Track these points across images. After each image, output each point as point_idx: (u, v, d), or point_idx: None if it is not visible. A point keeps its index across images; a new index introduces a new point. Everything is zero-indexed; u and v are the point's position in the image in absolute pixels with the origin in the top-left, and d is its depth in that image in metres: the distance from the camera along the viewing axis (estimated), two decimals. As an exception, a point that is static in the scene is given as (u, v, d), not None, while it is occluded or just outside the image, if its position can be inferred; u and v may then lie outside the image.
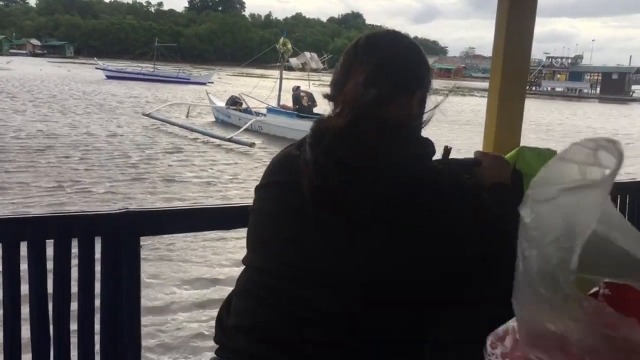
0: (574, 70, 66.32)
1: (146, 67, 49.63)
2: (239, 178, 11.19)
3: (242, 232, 1.37)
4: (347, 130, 1.13)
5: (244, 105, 19.53)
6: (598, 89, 60.43)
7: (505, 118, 2.03)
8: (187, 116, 20.61)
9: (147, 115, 18.51)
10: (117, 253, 1.61)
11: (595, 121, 29.53)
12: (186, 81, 41.92)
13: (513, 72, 2.02)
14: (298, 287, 1.14)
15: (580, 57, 72.85)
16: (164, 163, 11.98)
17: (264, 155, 13.65)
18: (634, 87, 62.82)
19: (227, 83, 42.69)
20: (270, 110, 18.31)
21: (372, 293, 1.11)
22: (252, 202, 1.32)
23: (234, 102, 19.83)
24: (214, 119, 20.33)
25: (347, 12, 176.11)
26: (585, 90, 61.46)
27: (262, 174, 1.32)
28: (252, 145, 14.63)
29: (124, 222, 1.61)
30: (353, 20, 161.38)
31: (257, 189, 1.30)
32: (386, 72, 1.23)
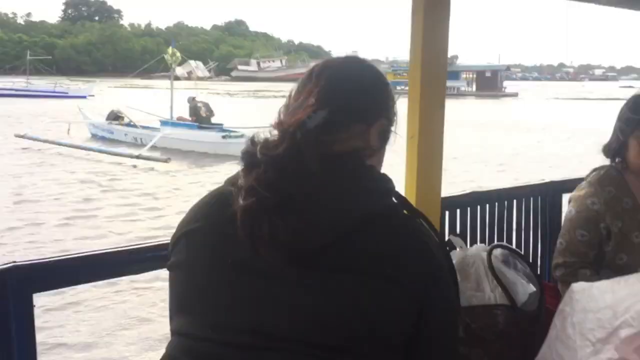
0: (452, 69, 69.89)
1: (18, 82, 46.35)
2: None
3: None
4: (288, 159, 0.94)
5: (126, 120, 18.62)
6: (474, 87, 64.10)
7: (428, 118, 1.97)
8: (68, 133, 19.23)
9: (22, 136, 16.94)
10: (4, 316, 1.31)
11: (476, 114, 31.31)
12: (64, 95, 39.41)
13: (432, 78, 1.97)
14: (243, 355, 0.94)
15: (456, 57, 76.95)
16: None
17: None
18: (505, 83, 67.30)
19: (112, 95, 40.71)
20: (166, 123, 17.48)
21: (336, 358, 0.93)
22: (171, 251, 1.08)
23: (116, 116, 18.84)
24: (90, 135, 18.98)
25: (230, 19, 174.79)
26: (463, 88, 64.93)
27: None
28: (167, 160, 13.92)
29: (11, 277, 1.31)
30: (237, 27, 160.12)
31: (180, 236, 1.07)
32: (339, 96, 1.07)
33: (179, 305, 1.03)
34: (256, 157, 0.96)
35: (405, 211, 1.06)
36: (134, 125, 18.05)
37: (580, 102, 43.73)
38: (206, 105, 17.51)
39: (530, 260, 2.65)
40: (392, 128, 1.16)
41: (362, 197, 0.98)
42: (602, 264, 2.08)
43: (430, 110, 1.96)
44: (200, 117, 16.90)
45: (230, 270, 0.96)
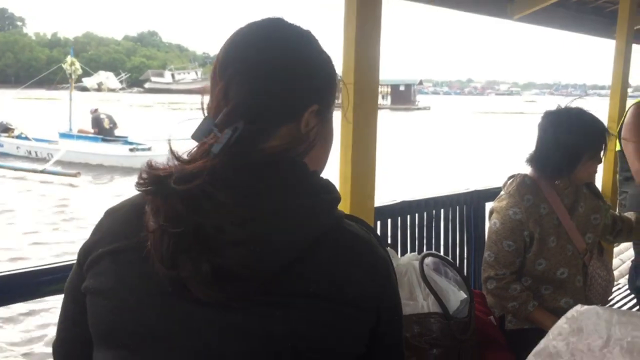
0: (367, 83, 71.58)
1: None
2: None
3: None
4: (199, 190, 0.78)
5: (16, 132, 17.55)
6: (389, 100, 65.84)
7: (361, 130, 1.97)
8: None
9: None
10: None
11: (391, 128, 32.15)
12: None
13: (365, 88, 1.97)
14: None
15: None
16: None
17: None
18: (418, 97, 69.63)
19: (11, 107, 38.43)
20: (65, 135, 16.62)
21: None
22: (86, 271, 0.90)
23: (6, 128, 17.73)
24: None
25: (143, 30, 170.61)
26: (379, 101, 66.65)
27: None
28: (77, 175, 13.21)
29: None
30: (150, 38, 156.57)
31: (101, 256, 0.88)
32: (251, 101, 0.87)
33: (106, 337, 0.87)
34: (160, 185, 0.80)
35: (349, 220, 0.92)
36: (26, 138, 17.04)
37: (488, 115, 46.09)
38: (109, 117, 16.88)
39: (458, 266, 2.71)
40: (333, 105, 0.97)
41: (302, 218, 0.83)
42: (522, 271, 2.14)
43: (363, 120, 1.97)
44: (103, 129, 16.26)
45: (167, 299, 0.82)
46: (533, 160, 2.17)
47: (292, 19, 0.94)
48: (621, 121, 2.61)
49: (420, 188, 12.34)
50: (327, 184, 0.90)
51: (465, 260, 2.74)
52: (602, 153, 2.09)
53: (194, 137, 0.85)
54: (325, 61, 0.95)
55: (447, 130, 30.33)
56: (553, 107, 2.16)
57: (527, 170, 2.19)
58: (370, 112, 1.98)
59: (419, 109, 62.05)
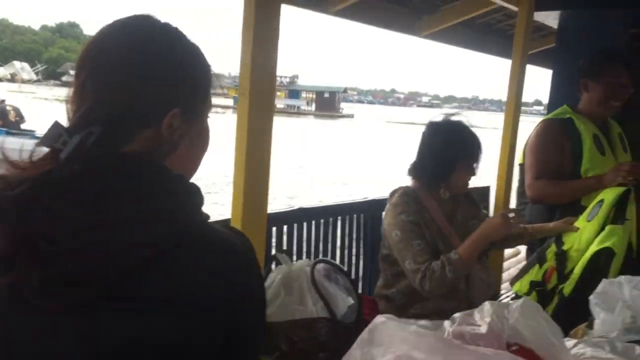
0: (292, 88, 71.81)
1: None
2: None
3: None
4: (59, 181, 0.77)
5: None
6: (314, 106, 66.29)
7: (256, 135, 1.97)
8: None
9: None
10: None
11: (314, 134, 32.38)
12: None
13: (262, 94, 1.98)
14: None
15: (297, 76, 79.11)
16: None
17: None
18: (342, 104, 70.55)
19: None
20: None
21: None
22: None
23: None
24: None
25: (62, 20, 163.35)
26: (303, 107, 66.91)
27: None
28: None
29: None
30: (70, 29, 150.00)
31: None
32: (111, 100, 0.84)
33: None
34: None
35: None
36: None
37: (408, 126, 47.40)
38: (16, 109, 16.03)
39: (353, 274, 2.78)
40: (204, 105, 0.95)
41: (152, 223, 0.80)
42: None
43: (258, 126, 1.97)
44: (8, 122, 15.42)
45: (6, 305, 0.80)
46: (412, 170, 2.27)
47: (175, 18, 0.93)
48: (529, 136, 2.72)
49: (332, 194, 12.51)
50: (189, 188, 0.87)
51: (360, 268, 2.81)
52: (475, 165, 2.20)
53: (41, 143, 0.81)
54: (190, 62, 0.91)
55: (368, 139, 30.87)
56: (437, 119, 2.25)
57: (408, 182, 2.28)
58: (266, 119, 1.99)
59: (343, 116, 62.85)
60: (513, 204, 3.58)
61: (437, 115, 2.27)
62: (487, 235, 2.10)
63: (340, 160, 20.75)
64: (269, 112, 2.02)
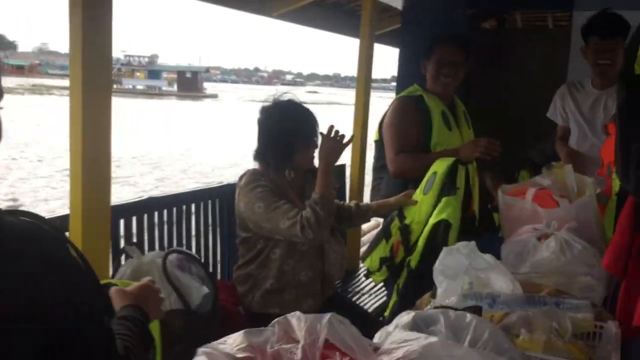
0: (152, 68, 69.12)
1: None
2: None
3: None
4: None
5: None
6: (175, 87, 64.32)
7: (93, 118, 1.84)
8: None
9: None
10: None
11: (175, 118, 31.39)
12: None
13: (96, 77, 1.85)
14: None
15: (156, 56, 76.21)
16: None
17: None
18: (205, 84, 69.12)
19: None
20: None
21: None
22: None
23: None
24: None
25: None
26: (165, 88, 64.70)
27: None
28: None
29: None
30: None
31: None
32: None
33: None
34: None
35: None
36: None
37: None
38: None
39: (211, 261, 2.73)
40: None
41: None
42: (275, 241, 2.24)
43: (95, 113, 1.84)
44: None
45: None
46: (256, 156, 2.27)
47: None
48: (384, 113, 2.80)
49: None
50: None
51: (218, 254, 2.76)
52: (315, 139, 2.24)
53: None
54: None
55: (232, 120, 30.52)
56: (267, 103, 2.26)
57: (256, 166, 2.29)
58: (104, 104, 1.87)
59: (206, 96, 61.62)
60: (368, 180, 3.72)
61: (267, 98, 2.28)
62: (326, 160, 2.16)
63: (207, 145, 20.35)
64: (107, 96, 1.90)
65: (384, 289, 3.13)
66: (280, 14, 3.70)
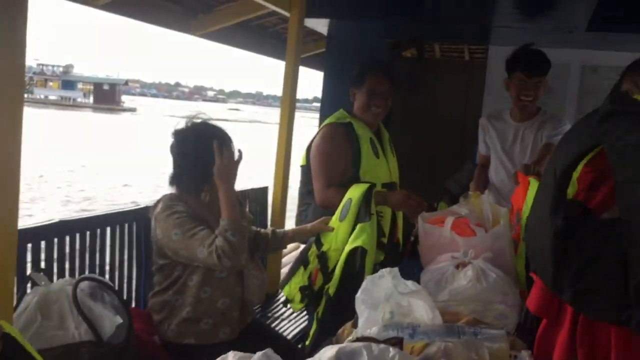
0: (67, 79, 66.42)
1: None
2: None
3: None
4: None
5: None
6: (91, 99, 62.11)
7: (1, 131, 1.71)
8: None
9: None
10: None
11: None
12: None
13: (7, 90, 1.72)
14: None
15: (72, 66, 73.36)
16: None
17: None
18: (124, 97, 67.20)
19: None
20: None
21: None
22: None
23: None
24: None
25: None
26: (80, 99, 62.35)
27: None
28: None
29: None
30: None
31: None
32: None
33: None
34: None
35: None
36: None
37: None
38: None
39: (126, 288, 2.61)
40: None
41: None
42: (192, 270, 2.19)
43: (4, 125, 1.71)
44: None
45: None
46: (172, 180, 2.22)
47: None
48: (312, 138, 2.77)
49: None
50: None
51: (133, 281, 2.65)
52: (232, 156, 2.17)
53: None
54: None
55: (151, 135, 29.70)
56: (180, 125, 2.21)
57: (172, 190, 2.23)
58: (14, 118, 1.73)
59: (124, 110, 59.88)
60: (290, 203, 3.70)
61: (178, 122, 2.23)
62: (224, 182, 2.11)
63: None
64: (18, 109, 1.75)
65: (304, 314, 3.11)
66: (204, 33, 3.66)
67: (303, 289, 2.43)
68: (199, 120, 2.21)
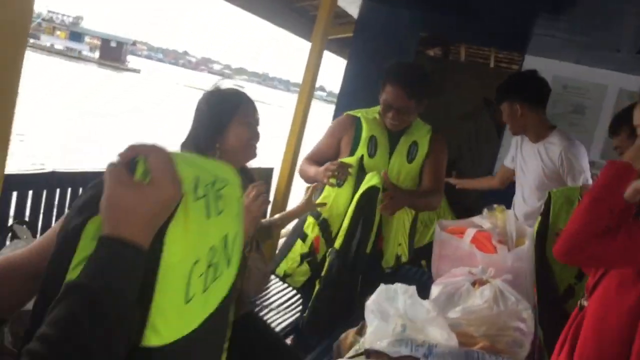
0: (75, 30, 65.81)
1: None
2: None
3: None
4: None
5: None
6: (97, 54, 61.60)
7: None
8: None
9: None
10: None
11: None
12: None
13: (10, 17, 1.54)
14: None
15: (82, 17, 72.72)
16: None
17: None
18: (129, 57, 66.72)
19: None
20: None
21: None
22: None
23: None
24: None
25: None
26: (85, 53, 61.81)
27: None
28: None
29: None
30: None
31: None
32: None
33: None
34: None
35: None
36: None
37: (198, 92, 46.01)
38: None
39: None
40: None
41: None
42: None
43: (1, 66, 1.53)
44: None
45: None
46: (186, 143, 2.00)
47: None
48: None
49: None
50: None
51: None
52: (251, 120, 1.99)
53: None
54: None
55: (162, 105, 29.15)
56: (210, 88, 2.04)
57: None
58: (14, 67, 1.56)
59: (128, 70, 59.39)
60: (295, 187, 3.55)
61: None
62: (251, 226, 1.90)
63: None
64: (19, 51, 1.58)
65: (295, 305, 2.95)
66: (229, -5, 3.47)
67: (304, 256, 2.43)
68: (228, 85, 2.03)
